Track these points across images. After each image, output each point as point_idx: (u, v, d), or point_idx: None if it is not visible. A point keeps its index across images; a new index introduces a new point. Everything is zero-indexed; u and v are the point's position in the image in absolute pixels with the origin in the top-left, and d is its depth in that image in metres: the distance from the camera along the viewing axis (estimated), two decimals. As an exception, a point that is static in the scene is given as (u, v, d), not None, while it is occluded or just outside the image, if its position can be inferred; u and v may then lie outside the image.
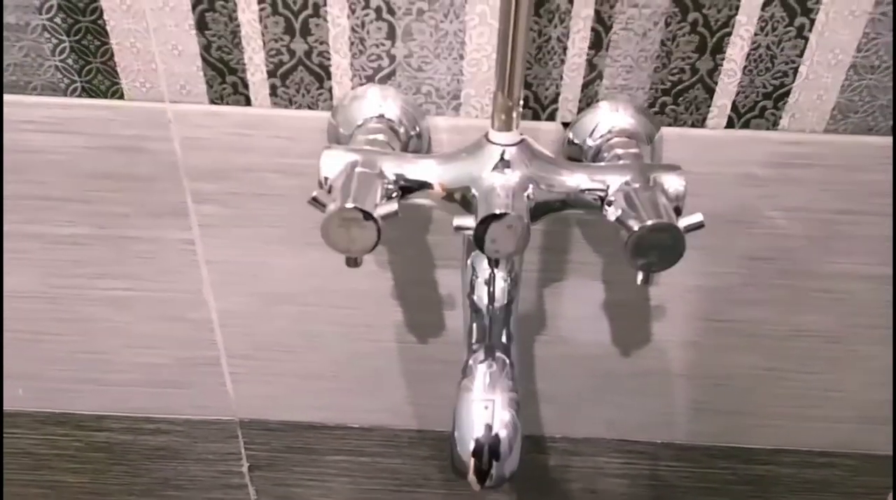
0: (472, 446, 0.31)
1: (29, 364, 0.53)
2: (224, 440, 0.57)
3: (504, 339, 0.34)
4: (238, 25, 0.37)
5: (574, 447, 0.56)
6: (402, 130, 0.38)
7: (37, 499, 0.63)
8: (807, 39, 0.36)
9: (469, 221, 0.32)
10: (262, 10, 0.36)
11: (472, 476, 0.31)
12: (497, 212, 0.31)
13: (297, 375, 0.53)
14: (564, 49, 0.37)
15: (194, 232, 0.45)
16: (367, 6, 0.36)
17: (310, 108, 0.39)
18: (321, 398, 0.54)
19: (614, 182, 0.34)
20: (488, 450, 0.31)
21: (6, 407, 0.56)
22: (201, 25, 0.37)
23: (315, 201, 0.32)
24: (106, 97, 0.39)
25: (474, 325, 0.34)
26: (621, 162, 0.35)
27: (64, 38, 0.37)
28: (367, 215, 0.31)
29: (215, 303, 0.49)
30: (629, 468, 0.58)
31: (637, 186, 0.33)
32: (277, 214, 0.44)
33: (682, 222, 0.31)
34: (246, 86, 0.39)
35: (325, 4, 0.36)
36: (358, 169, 0.33)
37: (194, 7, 0.36)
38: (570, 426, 0.55)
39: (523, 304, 0.45)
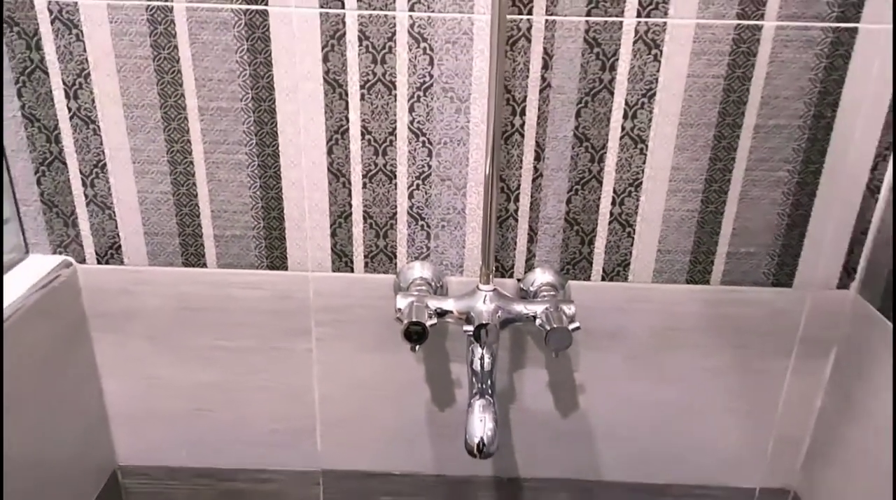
0: (476, 440, 0.63)
1: (193, 433, 0.84)
2: (309, 486, 0.87)
3: (489, 389, 0.67)
4: (350, 232, 0.73)
5: (539, 486, 0.86)
6: (433, 284, 0.74)
7: (174, 539, 0.90)
8: (633, 239, 0.73)
9: (470, 328, 0.67)
10: (365, 223, 0.73)
11: (476, 453, 0.63)
12: (483, 322, 0.66)
13: (360, 437, 0.84)
14: (515, 243, 0.73)
15: (313, 344, 0.79)
16: (417, 223, 0.73)
17: (385, 273, 0.75)
18: (375, 454, 0.85)
19: (541, 309, 0.69)
20: (483, 442, 0.63)
21: (170, 464, 0.86)
22: (334, 234, 0.73)
23: (399, 320, 0.67)
24: (277, 269, 0.75)
25: (473, 380, 0.67)
26: (545, 299, 0.71)
27: (263, 241, 0.74)
28: (422, 324, 0.65)
29: (318, 389, 0.81)
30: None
31: (552, 310, 0.68)
32: (363, 333, 0.78)
33: (570, 326, 0.66)
34: (351, 262, 0.75)
35: (396, 222, 0.73)
36: (415, 304, 0.68)
37: (332, 225, 0.73)
38: (535, 469, 0.85)
39: (500, 384, 0.78)
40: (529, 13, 0.64)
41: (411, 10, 0.64)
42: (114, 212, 0.73)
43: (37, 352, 0.69)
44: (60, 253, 0.75)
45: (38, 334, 0.69)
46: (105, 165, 0.71)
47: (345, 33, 0.65)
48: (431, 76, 0.67)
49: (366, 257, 0.75)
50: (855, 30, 0.64)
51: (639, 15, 0.64)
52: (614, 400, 0.81)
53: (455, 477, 0.86)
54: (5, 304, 0.66)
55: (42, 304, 0.69)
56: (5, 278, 0.70)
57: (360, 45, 0.65)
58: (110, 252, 0.75)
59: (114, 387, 0.81)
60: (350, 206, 0.72)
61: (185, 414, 0.83)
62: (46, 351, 0.71)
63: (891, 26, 0.64)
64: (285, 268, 0.75)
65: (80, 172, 0.71)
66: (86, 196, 0.72)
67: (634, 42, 0.65)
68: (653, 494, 0.87)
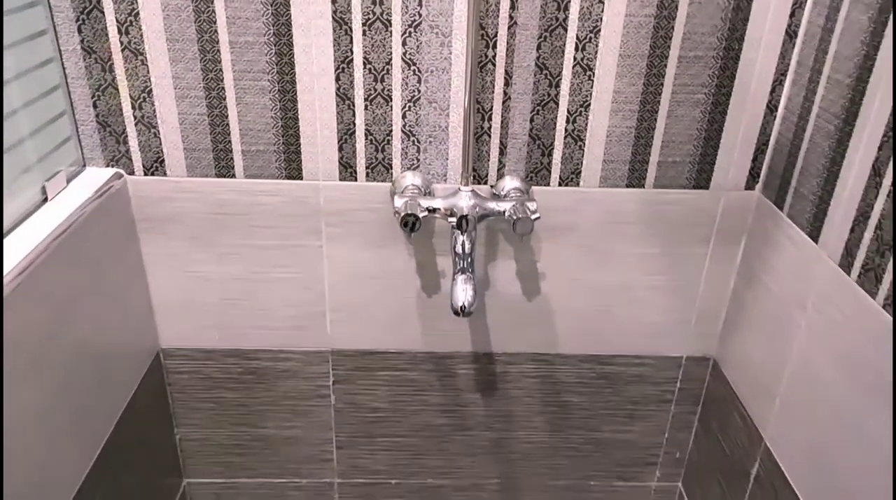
0: (459, 303, 0.82)
1: (224, 319, 1.01)
2: (320, 363, 1.06)
3: (469, 267, 0.85)
4: (354, 147, 0.90)
5: (509, 360, 1.06)
6: (422, 189, 0.91)
7: (207, 410, 1.09)
8: (583, 152, 0.90)
9: (454, 220, 0.84)
10: (366, 139, 0.89)
11: (459, 312, 0.81)
12: (464, 214, 0.83)
13: (363, 321, 1.02)
14: (489, 156, 0.91)
15: (323, 242, 0.96)
16: (409, 139, 0.89)
17: (383, 182, 0.92)
18: (375, 335, 1.03)
19: (509, 205, 0.87)
20: (465, 304, 0.82)
21: (204, 346, 1.03)
22: (341, 149, 0.90)
23: (397, 214, 0.84)
24: (294, 179, 0.91)
25: (456, 260, 0.85)
26: (513, 198, 0.88)
27: (282, 155, 0.90)
28: (415, 215, 0.83)
29: (328, 280, 0.99)
30: (538, 371, 1.07)
31: (518, 205, 0.86)
32: (365, 232, 0.95)
33: (532, 216, 0.84)
34: (355, 173, 0.91)
35: (391, 138, 0.89)
36: (409, 202, 0.86)
37: (339, 141, 0.89)
38: (505, 345, 1.05)
39: (476, 274, 0.96)
40: (499, -36, 0.80)
41: (404, -40, 0.79)
42: (158, 131, 0.88)
43: (93, 252, 0.85)
44: (112, 166, 0.90)
45: (95, 236, 0.85)
46: (151, 90, 0.85)
47: (350, -20, 0.80)
48: (420, 15, 0.82)
49: (367, 168, 0.91)
50: (755, -22, 0.81)
51: (586, -34, 0.80)
52: (568, 285, 1.00)
53: (440, 353, 1.06)
54: (69, 211, 0.81)
55: (98, 211, 0.85)
56: (69, 187, 0.85)
57: (363, -11, 0.81)
58: (155, 165, 0.90)
59: (157, 281, 0.98)
60: (354, 125, 0.88)
61: (217, 303, 1.00)
62: (101, 251, 0.87)
63: (783, -24, 0.81)
64: (300, 178, 0.91)
65: (130, 97, 0.86)
66: (134, 118, 0.87)
67: (583, -12, 0.81)
68: (601, 363, 1.07)
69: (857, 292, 0.71)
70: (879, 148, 0.68)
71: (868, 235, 0.70)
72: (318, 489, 1.18)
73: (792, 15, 0.83)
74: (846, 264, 0.73)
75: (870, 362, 0.69)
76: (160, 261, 0.96)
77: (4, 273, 0.67)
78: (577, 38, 0.84)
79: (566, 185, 0.93)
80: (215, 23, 0.82)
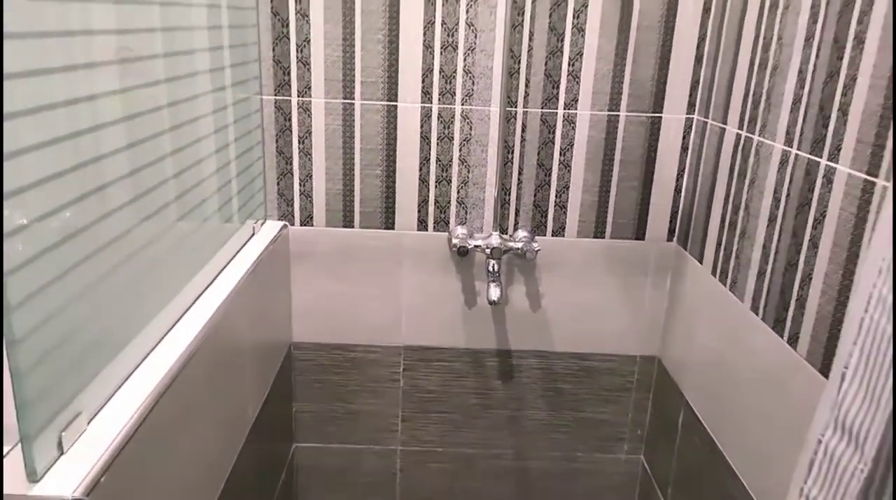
0: (493, 297, 1.38)
1: (336, 321, 1.56)
2: (395, 356, 1.59)
3: (498, 280, 1.41)
4: (427, 210, 1.49)
5: (520, 355, 1.59)
6: (468, 234, 1.49)
7: (316, 390, 1.61)
8: (566, 216, 1.49)
9: (488, 250, 1.42)
10: (435, 206, 1.49)
11: (492, 303, 1.37)
12: (495, 247, 1.42)
13: (425, 325, 1.57)
14: (509, 216, 1.49)
15: (403, 271, 1.53)
16: (461, 206, 1.48)
17: (443, 232, 1.50)
18: (432, 335, 1.57)
19: (522, 244, 1.44)
20: (496, 297, 1.38)
21: (320, 341, 1.57)
22: (419, 211, 1.49)
23: (453, 248, 1.42)
24: (389, 229, 1.50)
25: (489, 275, 1.42)
26: (523, 241, 1.46)
27: (383, 213, 1.49)
28: (466, 246, 1.41)
29: (404, 298, 1.55)
30: (540, 364, 1.60)
31: (527, 245, 1.44)
32: (429, 264, 1.52)
33: (536, 249, 1.42)
34: (426, 226, 1.50)
35: (450, 205, 1.48)
36: (462, 240, 1.44)
37: (418, 207, 1.49)
38: (518, 344, 1.59)
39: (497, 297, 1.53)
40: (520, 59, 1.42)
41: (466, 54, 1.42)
42: (312, 200, 1.48)
43: (266, 272, 1.42)
44: (282, 220, 1.49)
45: (272, 263, 1.42)
46: (311, 175, 1.46)
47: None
48: (471, 134, 1.44)
49: (434, 223, 1.50)
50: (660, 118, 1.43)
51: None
52: (559, 302, 1.55)
53: (475, 349, 1.59)
54: (263, 246, 1.38)
55: (274, 248, 1.42)
56: (260, 234, 1.44)
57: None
58: (307, 220, 1.49)
59: (297, 294, 1.54)
60: (428, 197, 1.48)
61: (331, 311, 1.55)
62: (273, 272, 1.44)
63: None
64: (393, 228, 1.50)
65: (299, 179, 1.46)
66: (300, 191, 1.47)
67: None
68: (581, 358, 1.60)
69: (730, 296, 1.27)
70: (733, 213, 1.27)
71: (738, 259, 1.27)
72: (386, 454, 1.67)
73: (684, 138, 1.45)
74: (723, 279, 1.30)
75: (738, 336, 1.24)
76: (300, 281, 1.53)
77: (244, 273, 1.24)
78: (561, 149, 1.45)
79: (556, 236, 1.51)
80: (353, 137, 1.44)
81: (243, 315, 1.23)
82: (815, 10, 0.99)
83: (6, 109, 0.59)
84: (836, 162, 0.92)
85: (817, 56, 0.98)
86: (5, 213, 0.60)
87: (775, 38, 1.10)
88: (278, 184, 1.47)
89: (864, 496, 0.54)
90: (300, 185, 1.47)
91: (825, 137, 0.95)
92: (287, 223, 1.49)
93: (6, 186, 0.60)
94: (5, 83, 0.59)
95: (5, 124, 0.59)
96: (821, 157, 0.96)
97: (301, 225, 1.50)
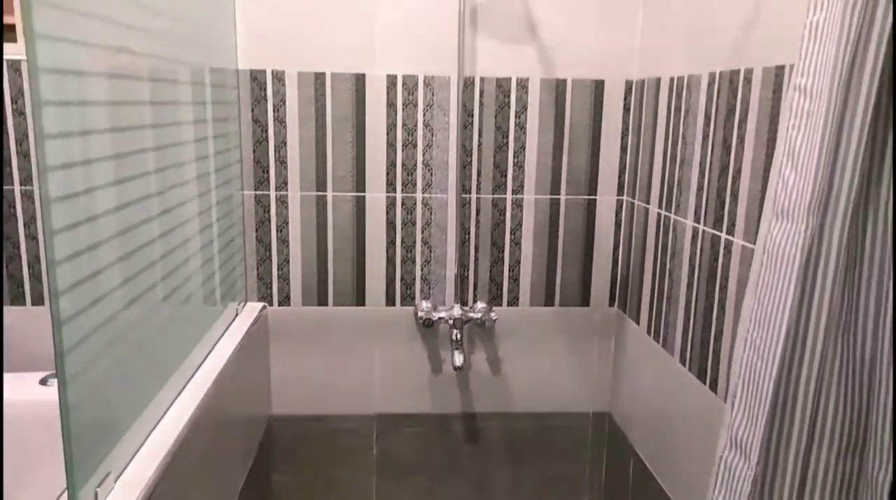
0: (457, 363, 1.53)
1: (311, 392, 1.68)
2: (369, 422, 1.71)
3: (461, 347, 1.57)
4: (395, 288, 1.65)
5: (482, 417, 1.73)
6: (432, 307, 1.65)
7: (294, 460, 1.71)
8: (519, 289, 1.67)
9: (451, 321, 1.58)
10: (402, 283, 1.65)
11: (456, 369, 1.52)
12: (456, 318, 1.58)
13: (394, 393, 1.70)
14: (468, 291, 1.67)
15: (374, 342, 1.67)
16: (425, 282, 1.65)
17: (410, 306, 1.66)
18: (401, 402, 1.70)
19: (481, 314, 1.61)
20: (460, 364, 1.53)
21: (298, 412, 1.69)
22: (386, 290, 1.65)
23: (419, 320, 1.58)
24: (360, 305, 1.65)
25: (453, 346, 1.57)
26: (482, 311, 1.63)
27: (355, 291, 1.65)
28: (431, 319, 1.57)
29: (376, 367, 1.68)
30: (502, 425, 1.74)
31: (486, 314, 1.61)
32: (397, 335, 1.67)
33: (493, 318, 1.59)
34: (395, 301, 1.66)
35: (414, 283, 1.65)
36: (427, 313, 1.60)
37: (386, 285, 1.65)
38: (480, 406, 1.73)
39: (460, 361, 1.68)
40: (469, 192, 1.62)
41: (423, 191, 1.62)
42: (289, 282, 1.63)
43: (248, 350, 1.55)
44: (261, 301, 1.63)
45: (250, 343, 1.55)
46: (288, 260, 1.61)
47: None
48: (430, 225, 1.63)
49: (401, 298, 1.66)
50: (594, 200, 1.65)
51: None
52: (516, 365, 1.71)
53: (443, 414, 1.73)
54: (246, 326, 1.52)
55: (254, 328, 1.56)
56: (242, 315, 1.57)
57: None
58: (284, 300, 1.63)
59: (275, 368, 1.66)
60: (395, 276, 1.65)
61: (307, 384, 1.68)
62: (250, 351, 1.57)
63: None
64: (364, 305, 1.65)
65: (277, 265, 1.62)
66: (278, 276, 1.62)
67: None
68: (539, 418, 1.75)
69: (663, 352, 1.45)
70: (660, 280, 1.47)
71: (667, 319, 1.46)
72: (362, 521, 1.76)
73: (617, 215, 1.66)
74: (657, 338, 1.48)
75: (673, 389, 1.42)
76: (279, 356, 1.66)
77: (230, 352, 1.37)
78: (511, 228, 1.65)
79: (511, 305, 1.69)
80: (326, 225, 1.61)
81: (231, 392, 1.35)
82: (707, 115, 1.22)
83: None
84: (733, 235, 1.13)
85: (712, 152, 1.21)
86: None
87: (681, 136, 1.34)
88: (258, 269, 1.62)
89: (752, 496, 0.71)
90: (278, 269, 1.62)
91: (723, 216, 1.16)
92: (266, 304, 1.63)
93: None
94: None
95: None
96: (721, 231, 1.17)
97: (279, 305, 1.64)
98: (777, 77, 1.01)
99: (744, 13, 1.10)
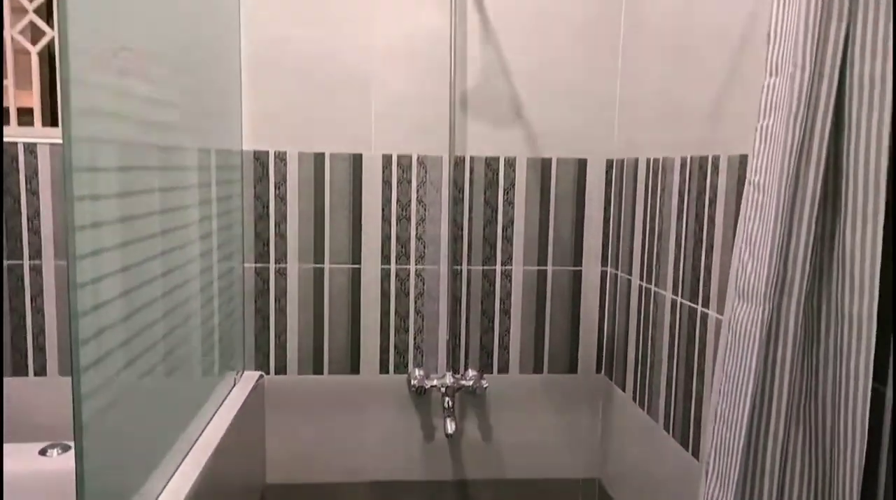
0: (449, 431, 1.57)
1: (306, 460, 1.71)
2: (362, 492, 1.73)
3: (453, 415, 1.61)
4: (388, 356, 1.70)
5: (475, 485, 1.76)
6: (425, 375, 1.70)
7: None
8: (509, 356, 1.73)
9: (444, 389, 1.63)
10: (395, 351, 1.71)
11: (448, 436, 1.56)
12: (449, 386, 1.63)
13: (387, 459, 1.72)
14: (460, 358, 1.72)
15: (368, 409, 1.71)
16: (418, 350, 1.71)
17: (403, 374, 1.71)
18: (395, 469, 1.73)
19: (473, 382, 1.66)
20: (452, 432, 1.57)
21: (293, 481, 1.71)
22: (381, 358, 1.70)
23: (412, 388, 1.62)
24: (355, 374, 1.70)
25: (445, 411, 1.61)
26: (473, 378, 1.68)
27: (350, 360, 1.70)
28: (423, 387, 1.62)
29: (370, 431, 1.72)
30: (495, 494, 1.76)
31: (477, 382, 1.66)
32: (391, 402, 1.71)
33: (484, 385, 1.64)
34: (388, 369, 1.70)
35: (408, 352, 1.70)
36: (420, 380, 1.65)
37: (380, 353, 1.70)
38: (472, 473, 1.75)
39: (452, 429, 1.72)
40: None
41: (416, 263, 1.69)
42: (286, 352, 1.68)
43: (245, 420, 1.58)
44: (259, 370, 1.68)
45: (247, 412, 1.59)
46: (286, 330, 1.67)
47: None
48: (423, 290, 1.70)
49: (395, 367, 1.71)
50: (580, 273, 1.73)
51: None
52: (507, 432, 1.75)
53: (435, 481, 1.75)
54: (244, 395, 1.56)
55: (252, 396, 1.60)
56: (240, 384, 1.61)
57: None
58: (281, 369, 1.68)
59: (270, 437, 1.69)
60: (389, 345, 1.70)
61: (302, 452, 1.71)
62: (247, 420, 1.61)
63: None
64: (358, 373, 1.70)
65: (275, 335, 1.67)
66: (275, 345, 1.67)
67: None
68: (530, 485, 1.77)
69: (648, 419, 1.51)
70: (643, 349, 1.54)
71: (651, 387, 1.52)
72: None
73: (601, 286, 1.74)
74: (642, 404, 1.54)
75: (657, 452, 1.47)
76: (275, 424, 1.69)
77: (228, 422, 1.41)
78: (501, 298, 1.72)
79: (501, 373, 1.74)
80: (323, 296, 1.67)
81: (228, 462, 1.39)
82: (681, 193, 1.32)
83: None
84: (707, 308, 1.21)
85: (686, 227, 1.29)
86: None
87: (658, 212, 1.43)
88: (256, 339, 1.67)
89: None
90: (276, 338, 1.68)
91: (699, 289, 1.24)
92: (263, 373, 1.68)
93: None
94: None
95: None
96: (697, 304, 1.25)
97: (276, 374, 1.68)
98: (742, 165, 1.11)
99: (709, 102, 1.21)
